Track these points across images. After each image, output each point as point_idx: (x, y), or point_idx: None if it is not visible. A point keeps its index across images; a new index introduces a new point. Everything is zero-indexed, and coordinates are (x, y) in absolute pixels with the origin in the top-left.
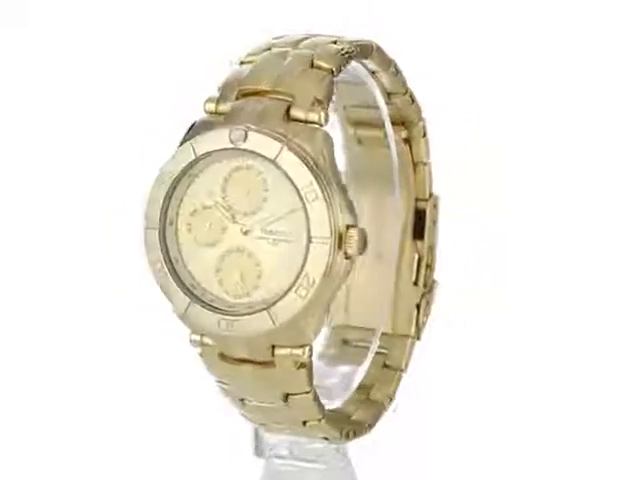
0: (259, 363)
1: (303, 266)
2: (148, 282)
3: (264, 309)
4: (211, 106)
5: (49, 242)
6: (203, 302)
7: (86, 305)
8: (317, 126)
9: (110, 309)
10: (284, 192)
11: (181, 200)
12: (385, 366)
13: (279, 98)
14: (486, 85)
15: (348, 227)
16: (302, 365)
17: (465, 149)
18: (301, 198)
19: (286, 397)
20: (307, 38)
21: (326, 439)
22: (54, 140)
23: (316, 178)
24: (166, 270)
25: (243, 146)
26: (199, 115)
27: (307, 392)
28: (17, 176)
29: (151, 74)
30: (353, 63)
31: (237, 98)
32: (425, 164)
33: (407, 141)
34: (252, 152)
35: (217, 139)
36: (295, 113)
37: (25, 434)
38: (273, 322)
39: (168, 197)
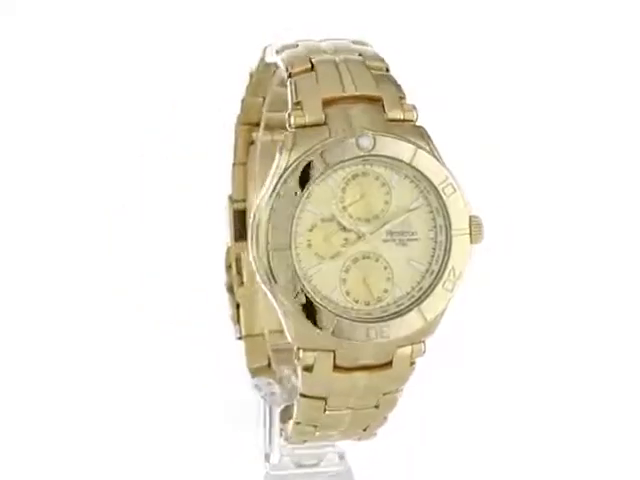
0: (376, 366)
1: (447, 260)
2: (147, 282)
3: (413, 308)
4: (300, 120)
5: (49, 242)
6: (346, 316)
7: (86, 305)
8: (413, 123)
9: (110, 309)
10: (405, 192)
11: (298, 218)
12: None
13: (370, 102)
14: (485, 85)
15: (471, 217)
16: (414, 362)
17: (465, 148)
18: (438, 194)
19: (380, 398)
20: (326, 43)
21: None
22: (53, 140)
23: (450, 173)
24: (306, 291)
25: (374, 152)
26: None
27: (401, 389)
28: (14, 175)
29: (151, 74)
30: None
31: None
32: None
33: None
34: (384, 157)
35: (345, 149)
36: (393, 114)
37: (25, 434)
38: (424, 319)
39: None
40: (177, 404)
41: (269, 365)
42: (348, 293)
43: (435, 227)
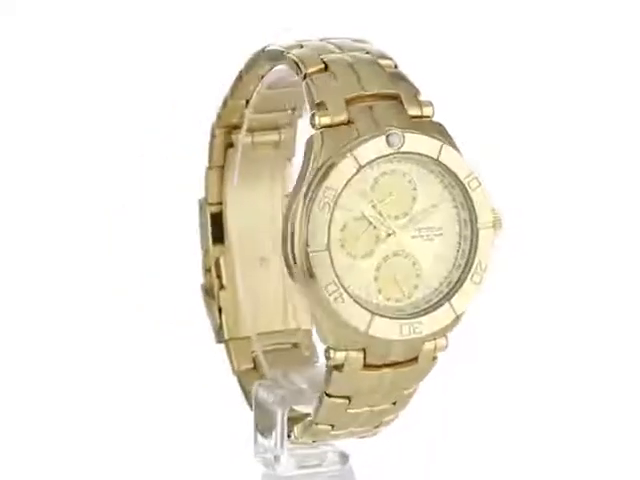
0: (403, 362)
1: (474, 253)
2: (147, 282)
3: (444, 303)
4: (326, 120)
5: (49, 242)
6: (380, 314)
7: (86, 305)
8: (430, 119)
9: (110, 309)
10: (431, 188)
11: (333, 218)
12: None
13: (388, 99)
14: (482, 85)
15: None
16: (436, 357)
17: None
18: (463, 189)
19: (400, 394)
20: (328, 42)
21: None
22: (53, 140)
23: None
24: (342, 291)
25: (403, 149)
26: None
27: (418, 385)
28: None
29: (150, 74)
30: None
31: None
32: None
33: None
34: (412, 153)
35: (376, 147)
36: (412, 111)
37: (24, 434)
38: (455, 314)
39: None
40: (177, 404)
41: (255, 367)
42: (380, 291)
43: (459, 221)
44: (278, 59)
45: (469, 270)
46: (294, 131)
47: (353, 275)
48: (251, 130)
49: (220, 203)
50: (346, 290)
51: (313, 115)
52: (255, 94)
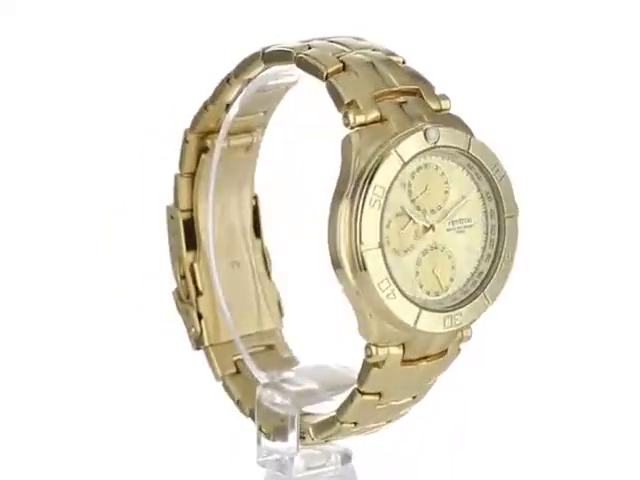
0: (436, 355)
1: (502, 242)
2: (147, 282)
3: (479, 294)
4: (361, 118)
5: (49, 242)
6: (426, 307)
7: (86, 305)
8: (448, 112)
9: (110, 309)
10: (460, 180)
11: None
12: None
13: (409, 94)
14: (479, 85)
15: None
16: (460, 348)
17: None
18: (490, 179)
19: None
20: (331, 41)
21: None
22: (53, 140)
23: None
24: (394, 287)
25: (440, 143)
26: None
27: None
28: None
29: (150, 73)
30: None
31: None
32: None
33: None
34: (447, 147)
35: (416, 142)
36: (434, 105)
37: (23, 433)
38: (489, 302)
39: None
40: (178, 404)
41: (238, 372)
42: (421, 285)
43: (486, 212)
44: (284, 60)
45: (498, 260)
46: (263, 133)
47: (399, 271)
48: (231, 134)
49: (191, 209)
50: (397, 286)
51: (346, 114)
52: (240, 98)
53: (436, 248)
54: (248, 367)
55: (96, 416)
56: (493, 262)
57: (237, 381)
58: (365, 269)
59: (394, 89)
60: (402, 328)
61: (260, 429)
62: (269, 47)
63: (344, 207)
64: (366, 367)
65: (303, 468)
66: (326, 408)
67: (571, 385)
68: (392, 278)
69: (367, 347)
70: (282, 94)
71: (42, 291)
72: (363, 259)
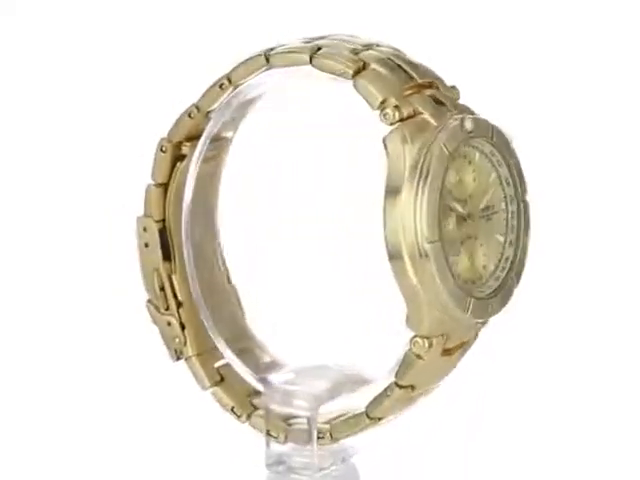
0: (466, 343)
1: (524, 228)
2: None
3: (509, 280)
4: (398, 114)
5: (49, 242)
6: (474, 296)
7: (86, 305)
8: (459, 101)
9: (110, 309)
10: (484, 168)
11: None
12: None
13: (427, 88)
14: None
15: None
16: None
17: None
18: (509, 164)
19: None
20: (335, 40)
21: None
22: (53, 140)
23: None
24: (450, 276)
25: (474, 133)
26: None
27: None
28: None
29: (150, 73)
30: None
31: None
32: None
33: None
34: (478, 136)
35: (456, 133)
36: (450, 95)
37: (22, 433)
38: (517, 284)
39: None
40: (178, 404)
41: (222, 379)
42: (463, 274)
43: (505, 198)
44: (293, 62)
45: (520, 245)
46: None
47: (450, 260)
48: (213, 140)
49: (164, 220)
50: (452, 275)
51: (384, 111)
52: (224, 103)
53: (470, 237)
54: (237, 371)
55: (96, 417)
56: (516, 248)
57: (225, 388)
58: (427, 260)
59: (418, 83)
60: (454, 317)
61: (269, 433)
62: (273, 49)
63: (402, 201)
64: (408, 360)
65: (317, 468)
66: (341, 406)
67: (574, 383)
68: (449, 268)
69: (413, 339)
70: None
71: (41, 291)
72: (425, 250)
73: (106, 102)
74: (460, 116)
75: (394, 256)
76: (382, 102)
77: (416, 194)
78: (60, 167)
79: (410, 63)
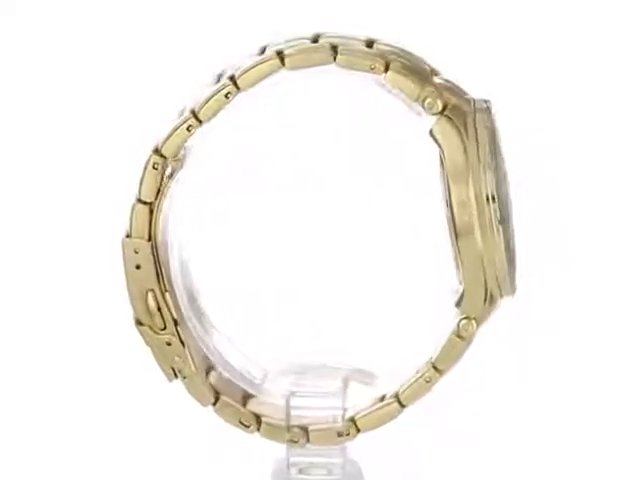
0: None
1: (508, 212)
2: None
3: (514, 260)
4: (440, 103)
5: (49, 242)
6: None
7: (86, 305)
8: None
9: (110, 309)
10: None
11: None
12: None
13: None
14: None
15: None
16: None
17: None
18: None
19: None
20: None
21: None
22: (53, 140)
23: None
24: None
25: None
26: None
27: None
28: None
29: (150, 73)
30: None
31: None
32: None
33: None
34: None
35: (484, 116)
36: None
37: (22, 433)
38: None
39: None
40: (178, 404)
41: (218, 398)
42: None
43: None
44: (319, 63)
45: (509, 229)
46: None
47: None
48: None
49: (150, 238)
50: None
51: (428, 101)
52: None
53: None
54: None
55: (96, 417)
56: (508, 232)
57: (226, 404)
58: (498, 232)
59: (432, 69)
60: (506, 291)
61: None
62: (283, 50)
63: (472, 183)
64: (453, 342)
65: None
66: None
67: (574, 383)
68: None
69: (462, 321)
70: None
71: (41, 291)
72: (497, 223)
73: (106, 102)
74: (481, 99)
75: (463, 231)
76: (419, 93)
77: (483, 173)
78: (60, 167)
79: (411, 54)
